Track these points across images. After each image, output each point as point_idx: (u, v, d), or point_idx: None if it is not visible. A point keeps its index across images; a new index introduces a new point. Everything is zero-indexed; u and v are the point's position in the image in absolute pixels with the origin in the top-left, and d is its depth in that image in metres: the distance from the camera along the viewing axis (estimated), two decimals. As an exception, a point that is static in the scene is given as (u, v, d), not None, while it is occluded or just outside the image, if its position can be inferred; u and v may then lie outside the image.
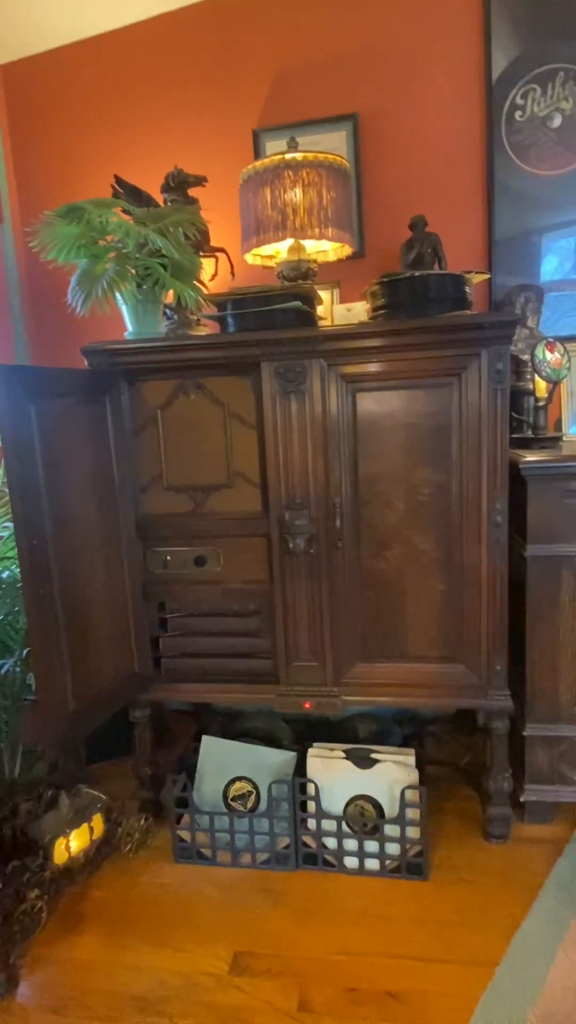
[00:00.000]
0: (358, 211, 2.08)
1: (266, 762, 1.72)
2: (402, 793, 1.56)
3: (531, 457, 1.58)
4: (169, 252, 1.49)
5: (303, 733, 1.92)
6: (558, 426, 1.99)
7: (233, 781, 1.73)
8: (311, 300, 1.62)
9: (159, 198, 1.87)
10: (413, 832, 1.58)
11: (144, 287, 1.60)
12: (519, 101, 1.96)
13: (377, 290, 1.62)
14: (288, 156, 1.64)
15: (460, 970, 1.33)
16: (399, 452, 1.58)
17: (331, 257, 1.91)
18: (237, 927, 1.48)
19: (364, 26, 2.01)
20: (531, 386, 1.86)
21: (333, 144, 2.07)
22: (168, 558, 1.74)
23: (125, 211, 1.65)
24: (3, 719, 1.65)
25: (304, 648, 1.70)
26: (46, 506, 1.39)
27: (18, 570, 1.69)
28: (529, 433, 1.83)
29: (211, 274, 1.96)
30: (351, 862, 1.62)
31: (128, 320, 1.67)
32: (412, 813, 1.58)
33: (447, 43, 1.98)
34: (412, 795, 1.57)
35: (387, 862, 1.60)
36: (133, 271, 1.52)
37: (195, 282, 1.71)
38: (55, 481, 1.41)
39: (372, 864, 1.61)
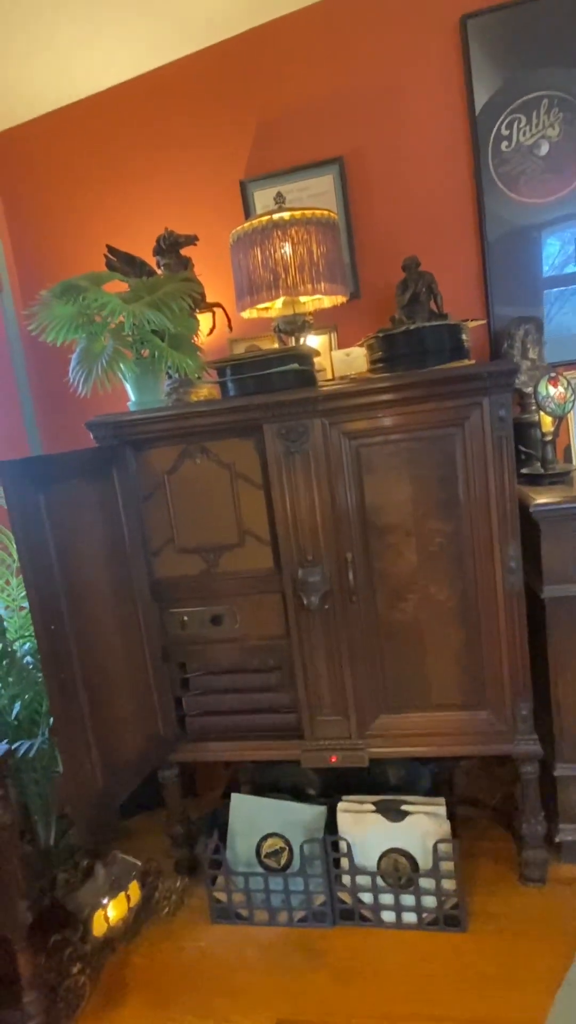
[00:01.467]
0: (350, 253, 2.08)
1: (297, 818, 1.73)
2: (435, 846, 1.56)
3: (542, 500, 1.56)
4: (165, 327, 1.51)
5: (332, 780, 1.92)
6: (568, 455, 1.97)
7: (265, 838, 1.73)
8: (308, 359, 1.62)
9: (152, 261, 1.89)
10: (448, 884, 1.58)
11: (143, 358, 1.61)
12: (504, 131, 1.94)
13: (374, 344, 1.63)
14: (276, 216, 1.65)
15: (505, 1032, 1.32)
16: (407, 503, 1.58)
17: (327, 304, 1.91)
18: (279, 992, 1.49)
19: (344, 70, 2.02)
20: (536, 418, 1.84)
21: (321, 189, 2.08)
22: (185, 619, 1.75)
23: (121, 280, 1.67)
24: (35, 791, 1.68)
25: (326, 702, 1.70)
26: (61, 589, 1.41)
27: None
28: (539, 467, 1.81)
29: (208, 330, 1.97)
30: (388, 916, 1.62)
31: (130, 390, 1.69)
32: (446, 866, 1.57)
33: (428, 79, 1.98)
34: (445, 848, 1.56)
35: (424, 915, 1.59)
36: (131, 350, 1.53)
37: (193, 344, 1.72)
38: (68, 562, 1.43)
39: (409, 917, 1.60)
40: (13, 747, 1.32)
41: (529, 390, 1.85)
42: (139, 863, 1.71)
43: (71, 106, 2.23)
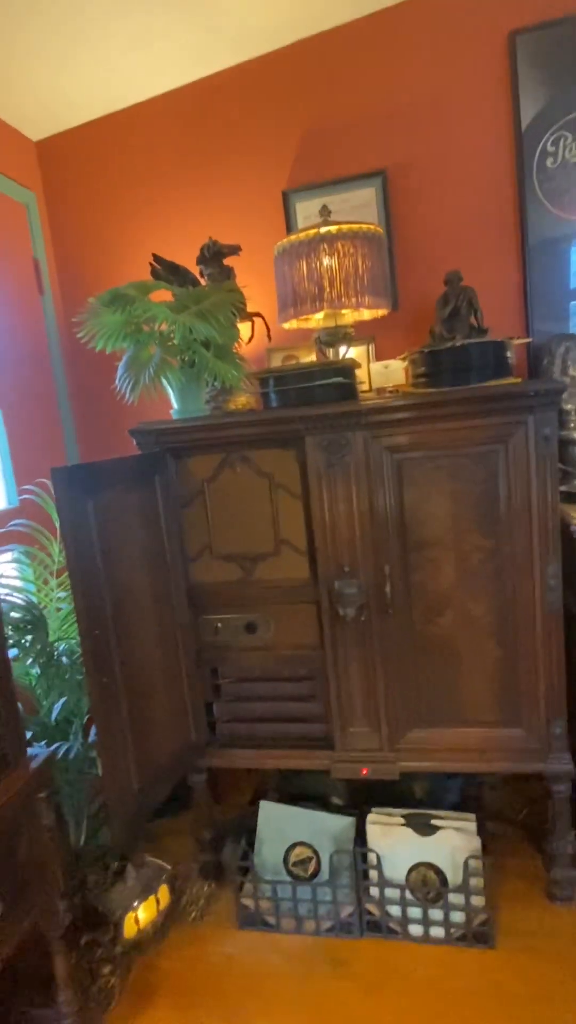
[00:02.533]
0: (391, 266, 2.09)
1: (325, 827, 1.73)
2: (466, 862, 1.56)
3: (582, 519, 1.56)
4: (212, 338, 1.53)
5: (358, 789, 1.93)
6: (605, 474, 1.96)
7: (293, 846, 1.74)
8: (351, 373, 1.63)
9: (195, 269, 1.91)
10: (478, 900, 1.58)
11: (188, 368, 1.63)
12: (550, 148, 1.94)
13: (418, 359, 1.63)
14: (323, 229, 1.66)
15: (536, 1052, 1.32)
16: (447, 519, 1.58)
17: (367, 317, 1.92)
18: (306, 1000, 1.50)
19: (390, 83, 2.03)
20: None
21: (362, 201, 2.09)
22: (219, 625, 1.77)
23: (166, 288, 1.69)
24: (68, 792, 1.70)
25: (358, 713, 1.70)
26: (105, 594, 1.43)
27: (75, 642, 1.74)
28: (576, 485, 1.81)
29: (247, 338, 1.99)
30: (416, 930, 1.62)
31: (173, 399, 1.71)
32: (476, 882, 1.57)
33: (474, 94, 1.98)
34: (476, 864, 1.57)
35: (452, 930, 1.60)
36: (178, 359, 1.55)
37: (235, 354, 1.74)
38: (112, 567, 1.45)
39: (437, 932, 1.60)
40: (53, 749, 1.33)
41: (569, 407, 1.85)
42: (168, 867, 1.73)
43: (116, 114, 2.26)
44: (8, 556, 1.89)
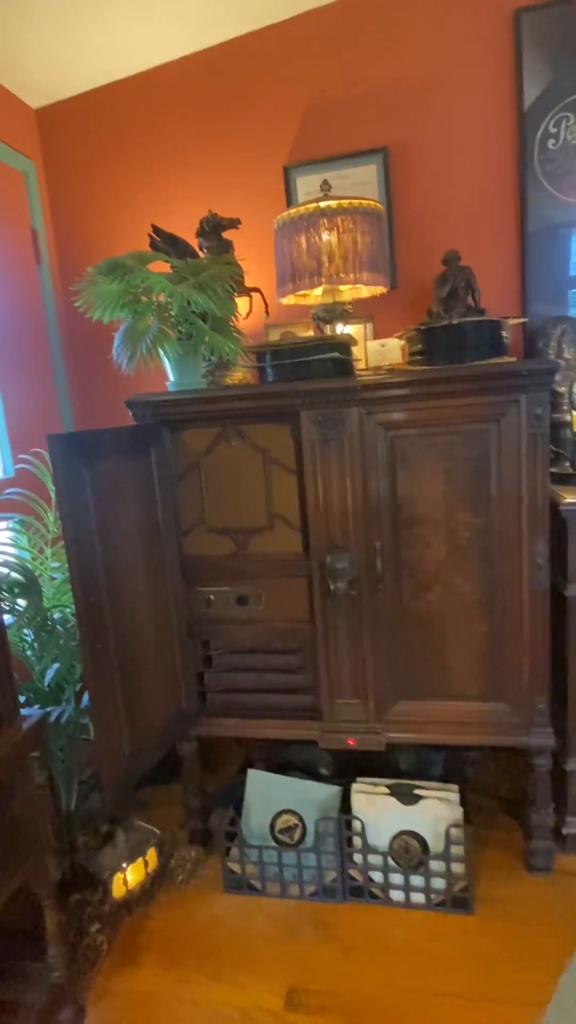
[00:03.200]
0: (390, 244, 2.09)
1: (312, 796, 1.77)
2: (447, 831, 1.60)
3: (572, 499, 1.58)
4: (210, 310, 1.53)
5: (344, 760, 1.96)
6: (596, 457, 1.98)
7: (280, 814, 1.78)
8: (347, 348, 1.64)
9: (194, 242, 1.91)
10: (458, 868, 1.62)
11: (185, 339, 1.64)
12: (552, 129, 1.94)
13: (414, 336, 1.64)
14: (323, 204, 1.66)
15: (508, 1011, 1.37)
16: (438, 496, 1.60)
17: (365, 294, 1.92)
18: (289, 961, 1.54)
19: (394, 59, 2.01)
20: (569, 418, 1.86)
21: (363, 178, 2.08)
22: (211, 597, 1.79)
23: (164, 260, 1.69)
24: (59, 757, 1.73)
25: (346, 686, 1.73)
26: (100, 562, 1.44)
27: (70, 611, 1.76)
28: (568, 467, 1.83)
29: (245, 313, 1.99)
30: (397, 895, 1.66)
31: (170, 371, 1.71)
32: (457, 850, 1.61)
33: (478, 73, 1.97)
34: (457, 833, 1.61)
35: (432, 896, 1.64)
36: (175, 331, 1.56)
37: (232, 327, 1.74)
38: (107, 537, 1.47)
39: (418, 898, 1.65)
40: (46, 711, 1.36)
41: (563, 390, 1.87)
42: (157, 831, 1.76)
43: (117, 83, 2.23)
44: (3, 525, 1.90)
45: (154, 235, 1.83)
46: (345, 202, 1.66)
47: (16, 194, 2.21)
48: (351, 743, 1.73)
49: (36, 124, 2.31)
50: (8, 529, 1.86)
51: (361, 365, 2.03)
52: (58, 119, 2.29)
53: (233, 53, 2.12)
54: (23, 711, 1.31)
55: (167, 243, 1.83)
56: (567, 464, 1.84)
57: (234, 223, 1.90)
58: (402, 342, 1.84)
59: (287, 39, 2.07)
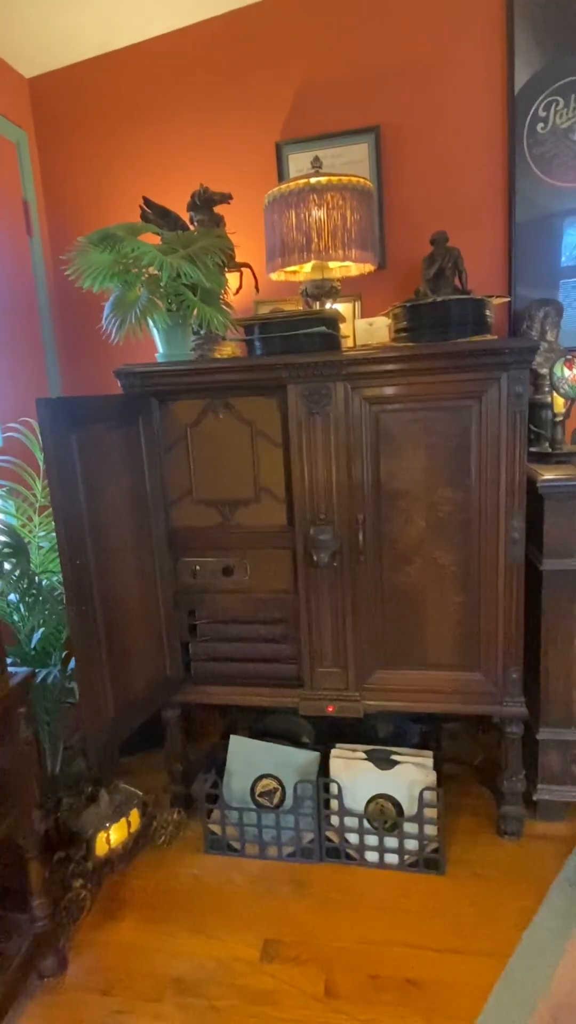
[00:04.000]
0: (380, 223, 2.11)
1: (291, 761, 1.82)
2: (421, 794, 1.66)
3: (548, 475, 1.63)
4: (200, 281, 1.55)
5: (324, 730, 2.02)
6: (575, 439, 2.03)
7: (260, 778, 1.83)
8: (335, 324, 1.67)
9: (185, 216, 1.92)
10: (431, 830, 1.68)
11: (174, 311, 1.66)
12: (541, 113, 1.97)
13: (400, 313, 1.67)
14: (313, 180, 1.68)
15: (475, 960, 1.44)
16: (420, 471, 1.65)
17: (354, 272, 1.94)
18: (266, 916, 1.60)
19: (388, 39, 2.02)
20: (549, 399, 1.90)
21: (355, 157, 2.10)
22: (197, 568, 1.83)
23: (155, 232, 1.70)
24: (45, 720, 1.76)
25: (327, 655, 1.78)
26: (87, 527, 1.47)
27: (57, 579, 1.79)
28: (547, 447, 1.88)
29: (235, 288, 2.01)
30: (372, 856, 1.72)
31: (159, 342, 1.73)
32: (430, 812, 1.67)
33: (470, 55, 1.99)
34: (430, 796, 1.66)
35: (406, 857, 1.70)
36: (163, 302, 1.58)
37: (221, 301, 1.76)
38: (94, 502, 1.50)
39: (391, 859, 1.71)
40: (32, 670, 1.39)
41: (544, 371, 1.91)
42: (140, 793, 1.81)
43: (112, 53, 2.22)
44: (-9, 493, 1.92)
45: (145, 207, 1.84)
46: (335, 178, 1.68)
47: (8, 164, 2.21)
48: (330, 710, 1.78)
49: (28, 94, 2.30)
50: (-4, 496, 1.88)
51: (349, 343, 2.07)
52: (51, 89, 2.29)
53: (227, 27, 2.12)
54: (10, 670, 1.35)
55: (158, 215, 1.84)
56: (546, 444, 1.88)
57: (225, 198, 1.91)
58: (389, 320, 1.87)
59: (281, 15, 2.08)
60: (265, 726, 2.03)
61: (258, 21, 2.10)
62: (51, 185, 2.35)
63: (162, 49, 2.18)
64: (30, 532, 1.86)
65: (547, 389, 1.92)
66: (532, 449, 1.85)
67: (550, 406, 1.89)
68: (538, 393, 1.97)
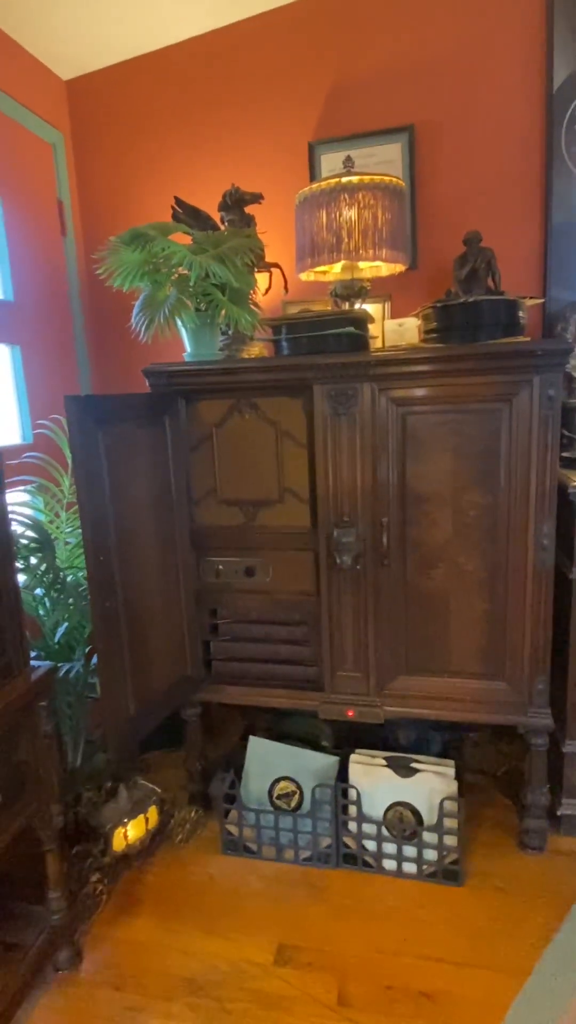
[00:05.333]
0: (412, 223, 2.09)
1: (310, 765, 1.81)
2: (441, 803, 1.63)
3: (580, 482, 1.59)
4: (228, 280, 1.55)
5: (344, 734, 2.00)
6: (609, 444, 1.97)
7: (278, 780, 1.82)
8: (363, 324, 1.65)
9: (216, 216, 1.92)
10: (450, 840, 1.65)
11: (203, 311, 1.66)
12: (581, 111, 1.92)
13: (430, 314, 1.65)
14: (344, 179, 1.66)
15: (492, 976, 1.40)
16: (447, 474, 1.62)
17: (384, 273, 1.93)
18: (281, 919, 1.58)
19: (423, 38, 2.00)
20: (583, 404, 1.85)
21: (388, 156, 2.08)
22: (220, 567, 1.83)
23: (185, 232, 1.71)
24: (67, 714, 1.78)
25: (348, 659, 1.76)
26: (112, 523, 1.48)
27: (82, 575, 1.81)
28: (579, 452, 1.83)
29: (265, 289, 2.00)
30: (389, 864, 1.70)
31: (187, 341, 1.74)
32: (450, 822, 1.64)
33: (507, 53, 1.95)
34: (451, 806, 1.63)
35: (424, 867, 1.67)
36: (192, 301, 1.58)
37: (250, 301, 1.76)
38: (119, 499, 1.51)
39: (409, 868, 1.68)
40: (54, 664, 1.40)
41: (578, 374, 1.86)
42: (159, 790, 1.81)
43: (147, 56, 2.24)
44: (21, 488, 1.95)
45: (176, 207, 1.85)
46: (366, 178, 1.66)
47: (44, 165, 2.24)
48: (350, 715, 1.76)
49: (66, 96, 2.33)
50: (25, 491, 1.90)
51: (378, 344, 2.05)
52: (87, 91, 2.31)
53: (260, 29, 2.12)
54: (33, 663, 1.36)
55: (189, 215, 1.85)
56: (579, 449, 1.84)
57: (256, 197, 1.91)
58: (419, 322, 1.84)
59: (315, 15, 2.07)
60: (285, 728, 2.02)
61: (292, 22, 2.09)
62: (86, 185, 2.38)
63: (195, 50, 2.19)
64: (57, 528, 1.88)
65: (581, 393, 1.87)
66: (564, 454, 1.80)
67: (583, 411, 1.84)
68: (572, 397, 1.92)
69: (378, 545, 1.68)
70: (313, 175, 2.14)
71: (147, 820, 1.74)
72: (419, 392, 1.58)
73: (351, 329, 1.60)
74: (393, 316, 2.11)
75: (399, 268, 1.87)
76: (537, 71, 1.94)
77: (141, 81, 2.26)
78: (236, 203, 1.90)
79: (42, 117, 2.21)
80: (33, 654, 1.68)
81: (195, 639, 1.84)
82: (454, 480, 1.62)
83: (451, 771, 1.72)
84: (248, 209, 1.93)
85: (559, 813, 1.77)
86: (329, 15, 2.06)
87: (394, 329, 1.97)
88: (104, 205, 2.38)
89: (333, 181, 1.68)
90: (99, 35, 2.14)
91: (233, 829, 1.79)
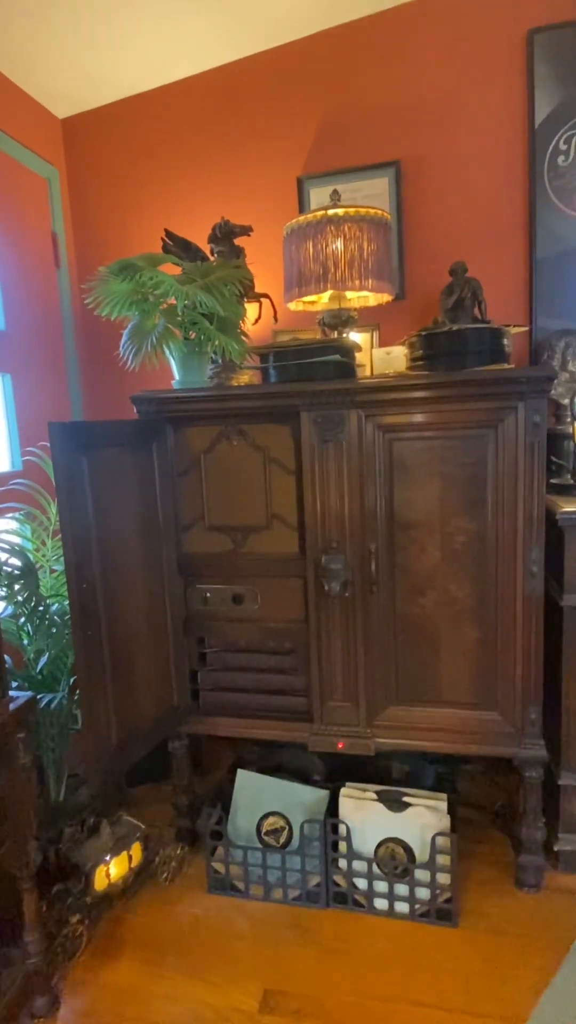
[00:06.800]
0: (399, 254, 2.12)
1: (299, 799, 1.76)
2: (433, 839, 1.58)
3: (569, 508, 1.58)
4: (215, 310, 1.57)
5: (336, 767, 1.95)
6: (599, 470, 1.97)
7: (267, 816, 1.77)
8: (350, 352, 1.66)
9: (206, 248, 1.95)
10: (443, 878, 1.60)
11: (191, 339, 1.67)
12: (562, 146, 1.97)
13: (416, 341, 1.66)
14: (331, 212, 1.70)
15: (487, 1023, 1.34)
16: (434, 500, 1.61)
17: (371, 302, 1.95)
18: (267, 963, 1.52)
19: (409, 76, 2.06)
20: (571, 430, 1.86)
21: (375, 190, 2.12)
22: (207, 595, 1.80)
23: (175, 263, 1.73)
24: (50, 747, 1.74)
25: (338, 688, 1.73)
26: (95, 550, 1.47)
27: (67, 603, 1.79)
28: (568, 479, 1.83)
29: (254, 319, 2.03)
30: (380, 904, 1.64)
31: (175, 369, 1.75)
32: (443, 859, 1.59)
33: (489, 90, 2.01)
34: (443, 842, 1.58)
35: (416, 906, 1.62)
36: (180, 330, 1.59)
37: (239, 330, 1.78)
38: (104, 525, 1.49)
39: (401, 907, 1.63)
40: (34, 695, 1.37)
41: (565, 401, 1.87)
42: (143, 826, 1.76)
43: (141, 95, 2.31)
44: (9, 516, 1.94)
45: (166, 239, 1.88)
46: (352, 210, 1.70)
47: (39, 200, 2.29)
48: (340, 747, 1.72)
49: (61, 133, 2.40)
50: (12, 519, 1.89)
51: (366, 372, 2.06)
52: (82, 128, 2.38)
53: (251, 68, 2.19)
54: (13, 693, 1.33)
55: (179, 247, 1.88)
56: (568, 476, 1.83)
57: (246, 230, 1.94)
58: (406, 350, 1.86)
59: (303, 56, 2.14)
60: (275, 761, 1.98)
61: (281, 62, 2.16)
62: (79, 219, 2.43)
63: (187, 90, 2.26)
64: (43, 556, 1.86)
65: (569, 420, 1.88)
66: (553, 480, 1.80)
67: (572, 437, 1.84)
68: (560, 424, 1.93)
69: (366, 572, 1.66)
70: (302, 208, 2.19)
71: (130, 857, 1.69)
72: (405, 419, 1.58)
73: (337, 357, 1.61)
74: (381, 344, 2.13)
75: (386, 298, 1.89)
76: (520, 109, 2.00)
77: (135, 119, 2.32)
78: (226, 235, 1.93)
79: (38, 153, 2.26)
80: (14, 684, 1.65)
81: (182, 668, 1.81)
82: (441, 506, 1.61)
83: (444, 805, 1.67)
84: (238, 241, 1.97)
85: (556, 849, 1.72)
86: (319, 56, 2.13)
87: (382, 357, 1.99)
88: (98, 238, 2.42)
89: (320, 213, 1.71)
90: (94, 75, 2.21)
91: (220, 867, 1.74)
